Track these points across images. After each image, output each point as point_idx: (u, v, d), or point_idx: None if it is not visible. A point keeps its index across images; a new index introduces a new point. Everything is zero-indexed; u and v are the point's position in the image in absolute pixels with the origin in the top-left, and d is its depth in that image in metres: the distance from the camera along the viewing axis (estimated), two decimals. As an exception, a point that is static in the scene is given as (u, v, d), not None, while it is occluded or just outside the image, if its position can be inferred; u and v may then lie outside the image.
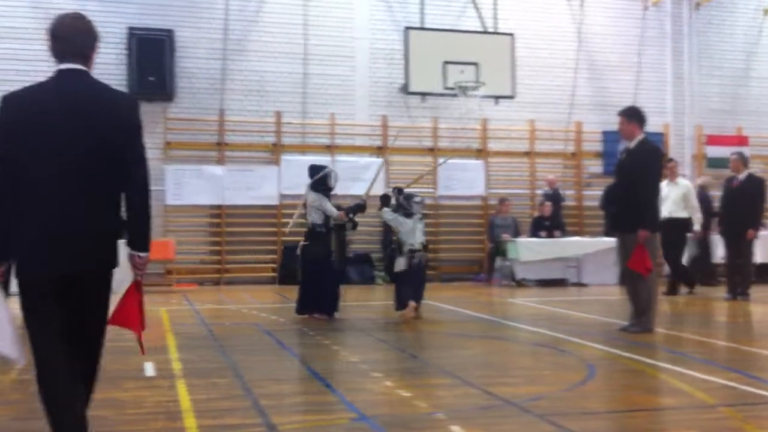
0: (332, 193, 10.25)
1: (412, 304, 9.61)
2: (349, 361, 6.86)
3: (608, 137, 17.46)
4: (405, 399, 5.03)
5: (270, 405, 5.03)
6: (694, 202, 13.06)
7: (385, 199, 10.59)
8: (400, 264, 10.04)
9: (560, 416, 4.67)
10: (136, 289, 4.02)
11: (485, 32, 16.64)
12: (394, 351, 7.43)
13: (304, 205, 10.10)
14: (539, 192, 17.23)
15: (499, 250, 15.67)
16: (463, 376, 5.90)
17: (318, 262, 9.85)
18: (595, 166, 18.13)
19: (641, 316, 8.43)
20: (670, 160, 13.48)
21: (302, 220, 10.48)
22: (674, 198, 12.73)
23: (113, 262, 3.97)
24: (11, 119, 3.81)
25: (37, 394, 5.37)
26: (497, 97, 16.54)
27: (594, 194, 16.60)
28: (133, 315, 4.03)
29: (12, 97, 3.86)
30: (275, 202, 16.30)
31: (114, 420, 4.68)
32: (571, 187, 18.10)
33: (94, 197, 3.84)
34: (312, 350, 7.54)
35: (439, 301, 12.19)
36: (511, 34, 16.55)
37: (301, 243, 10.03)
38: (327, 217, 9.91)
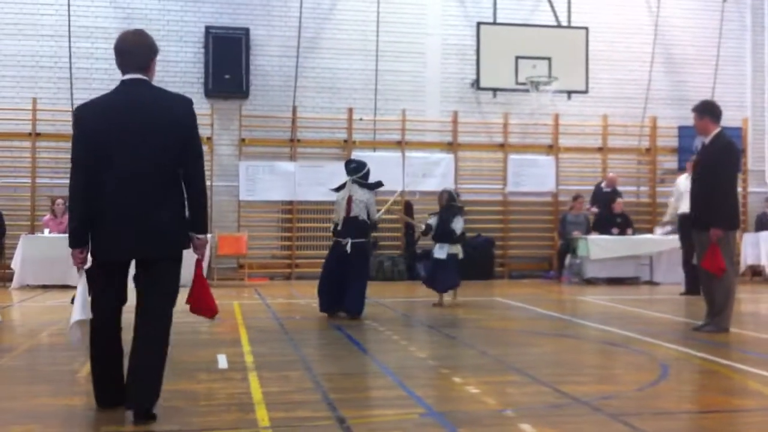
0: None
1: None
2: (418, 357, 6.88)
3: (684, 132, 17.12)
4: (474, 395, 5.03)
5: (340, 399, 5.08)
6: None
7: (426, 230, 11.19)
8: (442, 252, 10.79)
9: (632, 416, 4.61)
10: (198, 267, 4.74)
11: (559, 26, 16.45)
12: (463, 347, 7.42)
13: (350, 200, 9.65)
14: (563, 188, 16.93)
15: (569, 247, 15.50)
16: (533, 374, 5.87)
17: (368, 259, 9.82)
18: (670, 162, 17.78)
19: (717, 315, 8.25)
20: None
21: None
22: None
23: (177, 250, 4.56)
24: (87, 128, 4.46)
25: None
26: (570, 92, 16.36)
27: (668, 191, 16.28)
28: (202, 295, 4.79)
29: (84, 109, 4.56)
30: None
31: (187, 411, 4.79)
32: (645, 184, 17.79)
33: (160, 191, 4.45)
34: (381, 345, 7.58)
35: (509, 298, 12.14)
36: (585, 28, 16.34)
37: (352, 240, 9.49)
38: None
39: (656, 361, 6.55)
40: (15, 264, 13.73)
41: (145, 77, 4.56)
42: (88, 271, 4.60)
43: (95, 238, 4.51)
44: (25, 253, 13.63)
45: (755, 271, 16.31)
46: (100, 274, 4.57)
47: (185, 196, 4.56)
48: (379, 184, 10.04)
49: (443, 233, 10.97)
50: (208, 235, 13.73)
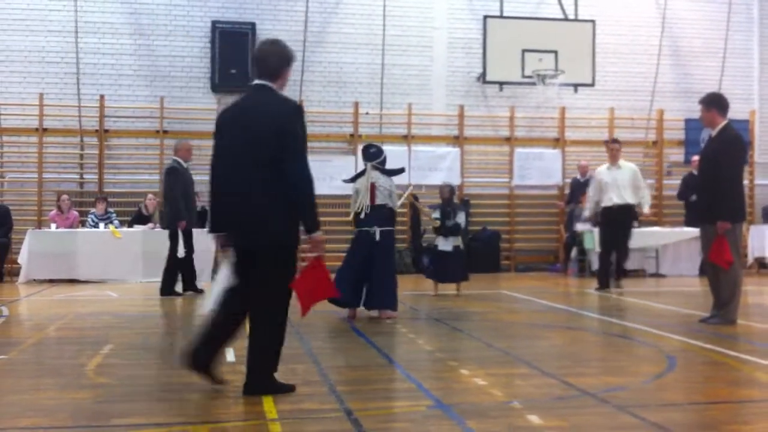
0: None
1: None
2: (426, 349, 6.89)
3: (691, 125, 17.08)
4: (481, 387, 5.03)
5: (347, 391, 5.10)
6: (643, 185, 12.05)
7: (442, 228, 11.21)
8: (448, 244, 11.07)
9: (639, 407, 4.61)
10: (317, 263, 5.03)
11: (565, 19, 16.41)
12: (470, 340, 7.43)
13: (373, 187, 9.06)
14: (569, 181, 16.81)
15: (576, 240, 15.48)
16: (540, 366, 5.87)
17: (394, 249, 9.47)
18: (677, 155, 17.75)
19: (723, 307, 8.24)
20: (614, 141, 12.66)
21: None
22: (620, 183, 11.83)
23: (280, 242, 4.87)
24: (216, 127, 5.02)
25: (125, 377, 5.60)
26: (576, 85, 16.33)
27: (675, 183, 16.27)
28: (321, 286, 5.11)
29: (223, 110, 5.13)
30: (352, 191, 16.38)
31: (197, 403, 4.81)
32: (651, 177, 17.75)
33: (254, 192, 4.77)
34: (388, 338, 7.59)
35: (515, 291, 12.15)
36: (592, 21, 16.30)
37: (379, 228, 8.97)
38: None
39: (663, 353, 6.55)
40: (22, 259, 13.77)
41: (270, 84, 4.95)
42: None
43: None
44: (32, 247, 13.67)
45: (762, 264, 16.28)
46: (232, 259, 5.06)
47: (288, 192, 4.81)
48: (402, 170, 9.73)
49: (448, 226, 11.05)
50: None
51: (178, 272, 11.74)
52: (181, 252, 11.56)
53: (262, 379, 4.91)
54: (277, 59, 4.96)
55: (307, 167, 4.85)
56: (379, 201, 9.04)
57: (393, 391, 5.21)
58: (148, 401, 4.89)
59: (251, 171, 4.77)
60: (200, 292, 11.80)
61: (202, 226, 14.53)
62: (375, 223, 8.98)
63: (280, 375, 5.67)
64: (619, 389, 5.13)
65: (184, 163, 11.81)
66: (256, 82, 4.98)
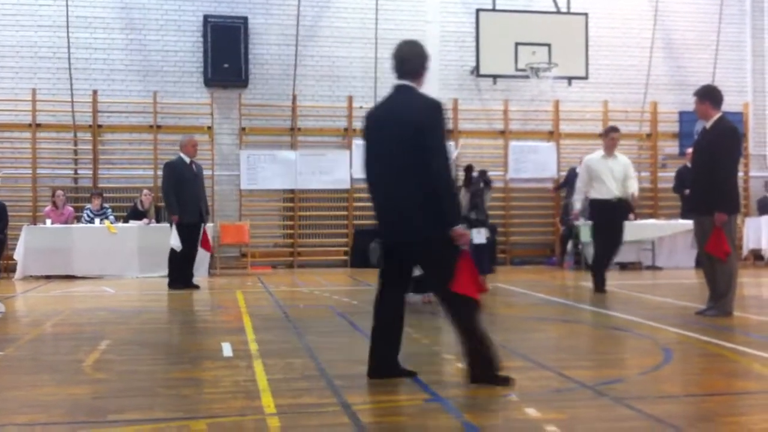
0: None
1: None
2: (423, 343, 6.89)
3: (685, 117, 17.12)
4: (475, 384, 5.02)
5: (344, 385, 5.10)
6: (634, 176, 11.24)
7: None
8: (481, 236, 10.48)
9: (637, 399, 4.63)
10: (462, 258, 4.97)
11: (558, 12, 16.41)
12: (467, 333, 7.42)
13: None
14: (564, 174, 16.79)
15: (572, 233, 15.50)
16: (537, 359, 5.88)
17: None
18: (671, 147, 17.78)
19: (720, 299, 8.26)
20: (614, 129, 11.50)
21: None
22: (616, 175, 10.84)
23: (427, 238, 4.96)
24: (364, 126, 5.24)
25: (122, 373, 5.60)
26: (570, 78, 16.33)
27: (669, 176, 16.31)
28: (466, 281, 4.96)
29: (369, 111, 5.32)
30: (347, 186, 16.43)
31: (193, 399, 4.81)
32: (646, 169, 17.80)
33: (402, 186, 4.95)
34: (385, 332, 7.58)
35: (511, 284, 12.17)
36: (585, 14, 16.30)
37: None
38: None
39: (659, 345, 6.57)
40: (18, 255, 13.75)
41: (411, 84, 5.11)
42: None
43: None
44: (28, 243, 13.65)
45: (757, 255, 16.33)
46: (380, 256, 5.25)
47: (431, 186, 4.92)
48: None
49: (474, 218, 10.61)
50: (210, 224, 13.70)
51: (191, 263, 12.05)
52: (174, 244, 11.73)
53: (485, 367, 4.98)
54: (418, 60, 5.15)
55: (448, 161, 4.98)
56: None
57: (390, 384, 5.21)
58: (145, 396, 4.88)
59: (401, 169, 4.95)
60: (196, 287, 11.78)
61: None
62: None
63: (278, 370, 5.70)
64: (616, 381, 5.15)
65: (187, 158, 11.96)
66: (398, 82, 5.15)
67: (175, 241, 11.78)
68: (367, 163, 5.21)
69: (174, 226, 11.78)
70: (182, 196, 11.73)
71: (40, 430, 4.20)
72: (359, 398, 4.75)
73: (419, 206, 4.94)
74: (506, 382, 4.96)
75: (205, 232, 12.31)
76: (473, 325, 5.00)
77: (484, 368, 4.97)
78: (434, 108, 4.99)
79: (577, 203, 11.62)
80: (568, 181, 15.96)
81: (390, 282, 5.20)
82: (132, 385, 5.25)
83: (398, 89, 5.16)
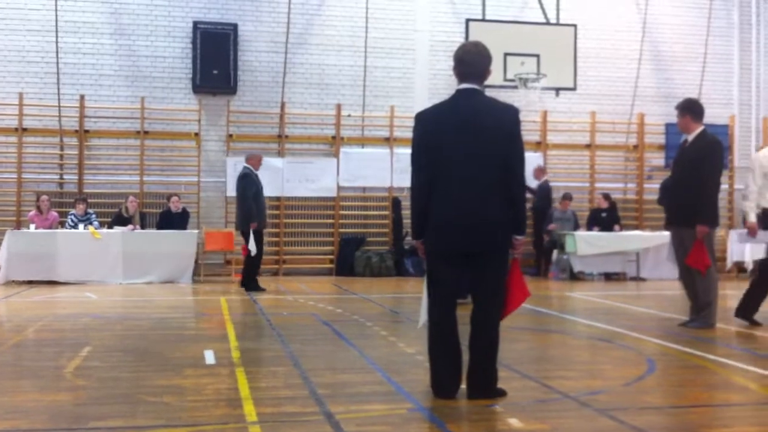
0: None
1: None
2: (407, 352, 6.88)
3: (671, 129, 17.17)
4: (462, 391, 5.01)
5: (328, 394, 5.08)
6: None
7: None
8: None
9: (620, 411, 4.63)
10: (516, 266, 5.06)
11: (547, 23, 16.47)
12: (452, 343, 7.41)
13: None
14: (553, 184, 16.82)
15: (556, 243, 15.54)
16: (521, 369, 5.88)
17: None
18: (658, 159, 17.86)
19: (702, 311, 8.29)
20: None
21: None
22: None
23: (501, 245, 4.94)
24: (425, 130, 5.03)
25: (104, 380, 5.56)
26: (558, 89, 16.38)
27: (655, 187, 16.36)
28: (518, 290, 5.05)
29: (423, 114, 5.12)
30: (333, 194, 16.42)
31: (176, 407, 4.78)
32: (632, 181, 17.87)
33: (486, 192, 4.86)
34: (369, 341, 7.57)
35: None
36: (574, 25, 16.35)
37: None
38: None
39: (643, 356, 6.59)
40: (1, 259, 13.64)
41: (479, 87, 5.01)
42: (428, 268, 5.09)
43: (431, 232, 5.00)
44: (11, 248, 13.55)
45: (740, 268, 16.39)
46: (437, 267, 5.01)
47: (509, 198, 4.91)
48: None
49: None
50: (196, 231, 13.84)
51: (256, 268, 12.82)
52: (253, 250, 12.46)
53: (494, 382, 4.96)
54: (486, 62, 5.05)
55: (525, 171, 5.03)
56: None
57: (374, 394, 5.20)
58: (127, 404, 4.85)
59: (486, 173, 4.86)
60: (263, 290, 12.57)
61: (183, 227, 14.54)
62: None
63: (261, 378, 5.68)
64: (599, 392, 5.15)
65: (254, 170, 12.70)
66: (466, 86, 5.01)
67: (252, 247, 12.46)
68: (425, 168, 4.98)
69: (252, 233, 12.43)
70: (258, 205, 12.52)
71: (20, 436, 4.17)
72: (342, 407, 4.73)
73: (501, 214, 4.88)
74: (504, 394, 4.97)
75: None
76: (498, 337, 5.00)
77: (492, 382, 4.96)
78: (516, 114, 4.99)
79: (752, 213, 8.66)
80: (540, 194, 15.91)
81: (452, 293, 5.03)
82: (114, 392, 5.22)
83: (466, 92, 5.01)
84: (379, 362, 6.34)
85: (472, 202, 4.86)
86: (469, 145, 4.87)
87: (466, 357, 4.99)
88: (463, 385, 4.98)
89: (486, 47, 5.12)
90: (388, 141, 16.65)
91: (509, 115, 4.97)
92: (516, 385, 5.30)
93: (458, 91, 5.05)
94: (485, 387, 4.91)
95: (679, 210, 8.38)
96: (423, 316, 5.20)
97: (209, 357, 6.45)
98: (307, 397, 5.02)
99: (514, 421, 4.40)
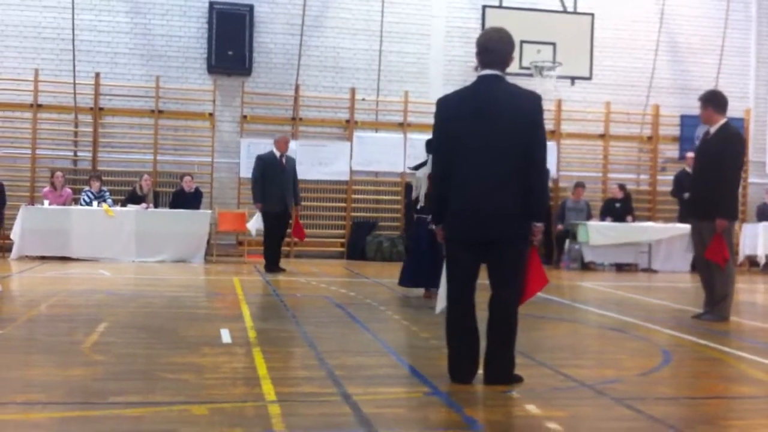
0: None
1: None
2: (421, 336, 6.90)
3: (686, 122, 17.14)
4: (478, 376, 5.03)
5: (344, 375, 5.10)
6: None
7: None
8: None
9: (636, 400, 4.63)
10: (534, 253, 5.08)
11: (564, 12, 16.39)
12: (465, 329, 7.42)
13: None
14: (564, 173, 16.80)
15: (569, 233, 15.52)
16: (536, 357, 5.89)
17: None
18: (672, 151, 17.80)
19: (717, 304, 8.27)
20: None
21: None
22: None
23: (517, 235, 4.89)
24: (444, 116, 5.01)
25: (121, 356, 5.60)
26: (574, 78, 16.32)
27: (669, 179, 16.31)
28: (537, 277, 5.10)
29: (443, 100, 5.11)
30: (346, 177, 16.42)
31: (195, 384, 4.80)
32: (645, 172, 17.82)
33: (502, 181, 4.80)
34: (383, 324, 7.60)
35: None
36: (591, 14, 16.26)
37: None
38: None
39: (657, 347, 6.59)
40: (14, 234, 13.71)
41: (500, 73, 4.97)
42: (447, 255, 5.11)
43: (448, 219, 5.00)
44: (25, 224, 13.61)
45: (752, 262, 16.36)
46: (454, 253, 5.02)
47: (527, 184, 4.85)
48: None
49: None
50: (209, 212, 13.94)
51: (276, 248, 12.86)
52: (250, 227, 12.93)
53: (511, 369, 4.95)
54: (509, 48, 5.01)
55: (546, 158, 5.01)
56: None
57: (390, 376, 5.22)
58: (145, 380, 4.88)
59: (503, 162, 4.81)
60: (282, 270, 12.67)
61: (196, 207, 14.57)
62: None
63: (277, 358, 5.70)
64: (615, 381, 5.16)
65: (278, 152, 12.75)
66: (488, 72, 4.95)
67: (252, 225, 12.85)
68: (444, 155, 4.99)
69: (258, 213, 12.72)
70: (267, 186, 12.57)
71: (40, 409, 4.20)
72: (360, 389, 4.74)
73: (517, 204, 4.83)
74: (521, 381, 4.96)
75: (297, 221, 13.11)
76: (517, 324, 4.99)
77: (509, 369, 4.95)
78: (539, 101, 4.96)
79: None
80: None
81: (470, 281, 5.00)
82: (131, 368, 5.25)
83: (487, 79, 4.95)
84: (393, 346, 6.36)
85: (487, 191, 4.82)
86: (486, 134, 4.82)
87: (483, 343, 4.99)
88: (480, 371, 4.98)
89: (509, 34, 5.05)
90: (402, 126, 16.62)
91: (531, 103, 4.92)
92: (532, 372, 5.30)
93: (480, 78, 5.00)
94: (502, 373, 4.92)
95: (699, 202, 8.35)
96: (441, 303, 5.20)
97: (225, 336, 6.47)
98: (324, 378, 5.04)
99: (531, 408, 4.41)
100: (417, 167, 9.86)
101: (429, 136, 17.00)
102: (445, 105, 5.06)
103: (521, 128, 4.83)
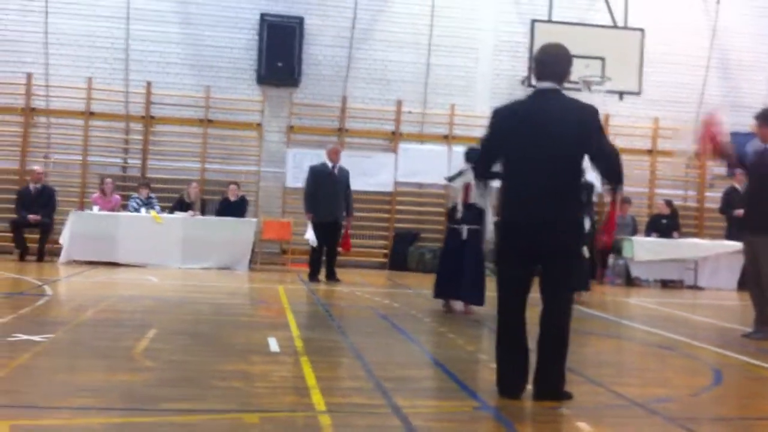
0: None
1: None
2: (467, 350, 6.88)
3: (735, 139, 16.75)
4: (527, 392, 5.02)
5: (393, 388, 5.10)
6: None
7: None
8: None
9: (690, 420, 4.58)
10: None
11: (614, 27, 16.27)
12: (512, 343, 7.39)
13: (468, 187, 9.30)
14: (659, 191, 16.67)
15: (614, 248, 15.36)
16: (586, 374, 5.84)
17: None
18: (720, 168, 17.53)
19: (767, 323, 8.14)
20: None
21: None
22: None
23: (570, 248, 4.96)
24: (499, 126, 5.06)
25: (172, 362, 5.65)
26: (622, 93, 16.18)
27: (717, 196, 16.09)
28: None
29: (500, 110, 5.12)
30: (390, 189, 16.46)
31: (245, 392, 4.84)
32: (693, 188, 17.60)
33: (559, 192, 4.85)
34: (429, 337, 7.60)
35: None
36: (641, 29, 16.12)
37: (468, 227, 9.23)
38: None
39: (708, 365, 6.50)
40: (63, 239, 13.93)
41: (558, 87, 5.00)
42: (497, 271, 5.13)
43: (500, 231, 5.11)
44: (74, 228, 13.84)
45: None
46: (505, 266, 5.04)
47: (601, 169, 5.03)
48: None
49: None
50: (254, 220, 14.05)
51: (318, 260, 12.88)
52: (308, 238, 12.75)
53: (562, 385, 4.93)
54: (567, 63, 5.07)
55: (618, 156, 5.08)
56: (471, 200, 9.35)
57: (439, 389, 5.22)
58: (196, 388, 4.93)
59: (558, 174, 4.85)
60: (337, 281, 12.75)
61: (241, 215, 14.69)
62: (465, 221, 9.32)
63: (325, 368, 5.73)
64: (666, 400, 5.09)
65: (330, 163, 12.91)
66: (546, 85, 5.00)
67: (309, 236, 12.73)
68: (518, 168, 4.98)
69: (310, 224, 12.72)
70: (319, 197, 12.66)
71: (94, 414, 4.26)
72: (409, 402, 4.75)
73: (574, 215, 4.96)
74: (570, 397, 4.92)
75: (346, 233, 13.25)
76: (569, 339, 4.98)
77: (560, 384, 4.91)
78: (596, 112, 4.99)
79: None
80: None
81: (522, 294, 4.99)
82: (182, 375, 5.30)
83: (544, 92, 4.99)
84: (440, 358, 6.36)
85: (543, 203, 4.83)
86: (542, 146, 4.84)
87: (533, 358, 4.97)
88: (529, 386, 4.96)
89: (566, 49, 5.09)
90: (447, 139, 16.62)
91: (588, 115, 4.93)
92: (582, 389, 5.26)
93: (537, 91, 5.03)
94: (552, 389, 4.89)
95: (755, 218, 8.26)
96: None
97: (273, 344, 6.51)
98: (373, 390, 5.05)
99: (583, 425, 4.37)
100: (453, 178, 9.80)
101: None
102: (502, 115, 5.09)
103: (578, 141, 4.86)
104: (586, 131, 4.88)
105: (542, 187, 4.85)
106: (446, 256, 9.54)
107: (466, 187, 9.38)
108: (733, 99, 17.37)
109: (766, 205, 8.07)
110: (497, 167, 5.20)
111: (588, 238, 11.09)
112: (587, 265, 11.20)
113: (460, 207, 9.38)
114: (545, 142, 4.85)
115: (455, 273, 9.24)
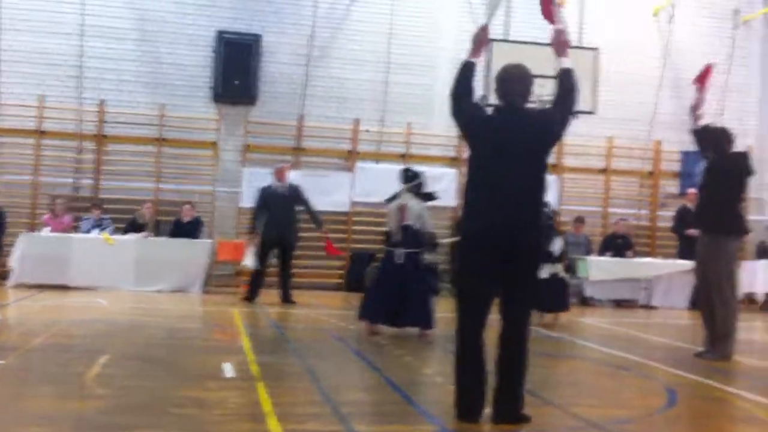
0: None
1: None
2: (424, 372, 6.86)
3: (687, 157, 17.13)
4: (486, 414, 4.99)
5: (350, 412, 5.05)
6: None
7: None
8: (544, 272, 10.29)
9: (646, 443, 4.60)
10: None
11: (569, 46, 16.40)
12: (469, 365, 7.37)
13: (403, 209, 9.34)
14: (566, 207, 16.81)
15: (569, 267, 15.46)
16: (543, 395, 5.84)
17: (424, 269, 9.57)
18: (672, 186, 17.81)
19: (719, 342, 8.23)
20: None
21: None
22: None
23: (536, 250, 5.10)
24: (470, 120, 5.19)
25: (126, 388, 5.54)
26: (577, 112, 16.29)
27: (669, 215, 16.32)
28: None
29: (482, 112, 5.26)
30: (347, 209, 16.39)
31: (201, 419, 4.76)
32: (646, 207, 17.82)
33: (519, 201, 4.93)
34: (386, 359, 7.55)
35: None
36: (595, 49, 16.32)
37: (405, 251, 9.22)
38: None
39: (662, 385, 6.55)
40: (14, 261, 13.63)
41: (519, 106, 5.11)
42: (456, 290, 5.29)
43: (462, 245, 5.15)
44: (24, 251, 13.55)
45: (751, 299, 16.31)
46: (466, 285, 5.14)
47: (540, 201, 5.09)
48: (433, 196, 9.91)
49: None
50: (209, 241, 13.92)
51: (257, 281, 12.85)
52: (249, 264, 12.68)
53: (521, 407, 4.93)
54: (530, 82, 5.21)
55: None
56: (406, 222, 9.30)
57: (396, 414, 5.17)
58: (151, 416, 4.83)
59: (528, 175, 4.96)
60: (292, 303, 12.68)
61: (195, 236, 14.51)
62: (401, 245, 9.28)
63: (282, 393, 5.65)
64: (625, 422, 5.11)
65: (277, 182, 13.00)
66: (511, 102, 5.11)
67: (248, 261, 12.72)
68: (490, 170, 5.04)
69: (251, 247, 12.75)
70: (268, 216, 12.72)
71: (45, 443, 4.15)
72: (366, 426, 4.71)
73: (538, 218, 5.05)
74: (529, 420, 4.91)
75: (328, 242, 13.55)
76: (528, 360, 5.01)
77: (519, 407, 4.90)
78: (551, 115, 5.16)
79: None
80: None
81: (483, 315, 5.02)
82: (136, 401, 5.19)
83: (515, 108, 5.11)
84: (397, 381, 6.30)
85: (510, 209, 4.94)
86: (508, 161, 4.94)
87: (491, 380, 4.95)
88: (487, 409, 4.93)
89: (527, 69, 5.24)
90: (404, 157, 16.61)
91: (549, 116, 5.13)
92: (540, 411, 5.25)
93: (503, 107, 5.14)
94: (512, 411, 4.87)
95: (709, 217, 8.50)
96: None
97: (228, 370, 6.42)
98: (330, 415, 4.99)
99: (541, 449, 4.37)
100: (389, 200, 9.80)
101: (429, 168, 16.96)
102: (480, 123, 5.18)
103: (543, 146, 5.07)
104: (547, 125, 5.09)
105: (509, 195, 4.94)
106: (379, 279, 9.44)
107: (402, 209, 9.36)
108: (684, 117, 17.54)
109: (719, 204, 8.28)
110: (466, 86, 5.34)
111: (562, 259, 11.22)
112: (563, 286, 11.25)
113: (395, 230, 9.37)
114: (513, 155, 4.96)
115: (387, 298, 9.09)
